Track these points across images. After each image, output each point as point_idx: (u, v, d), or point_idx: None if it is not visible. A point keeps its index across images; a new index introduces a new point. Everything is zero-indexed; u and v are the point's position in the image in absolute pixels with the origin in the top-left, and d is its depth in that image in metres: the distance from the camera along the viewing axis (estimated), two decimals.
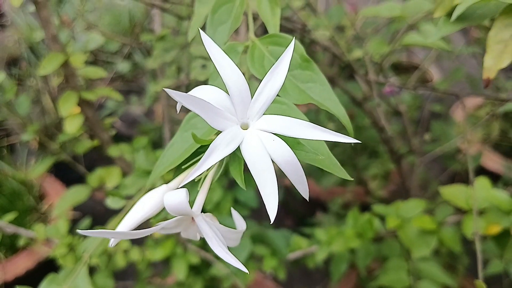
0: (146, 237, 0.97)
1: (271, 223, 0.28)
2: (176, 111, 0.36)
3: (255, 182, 0.32)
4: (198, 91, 0.32)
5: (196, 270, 1.03)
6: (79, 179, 1.20)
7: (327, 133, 0.30)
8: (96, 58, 1.88)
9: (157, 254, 0.94)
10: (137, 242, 1.00)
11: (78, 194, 1.00)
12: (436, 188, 1.28)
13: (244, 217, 0.42)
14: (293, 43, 0.33)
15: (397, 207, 0.98)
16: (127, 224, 0.36)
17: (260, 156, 0.30)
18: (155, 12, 1.03)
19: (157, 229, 0.34)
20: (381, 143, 1.40)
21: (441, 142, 1.55)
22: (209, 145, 0.30)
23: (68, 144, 1.30)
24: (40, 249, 1.35)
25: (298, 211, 1.83)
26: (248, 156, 0.30)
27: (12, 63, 2.06)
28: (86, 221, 1.06)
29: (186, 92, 0.31)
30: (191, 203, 0.33)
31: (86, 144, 1.04)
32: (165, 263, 1.12)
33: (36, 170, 1.09)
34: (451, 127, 1.65)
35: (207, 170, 0.34)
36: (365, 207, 1.17)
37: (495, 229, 0.79)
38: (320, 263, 1.10)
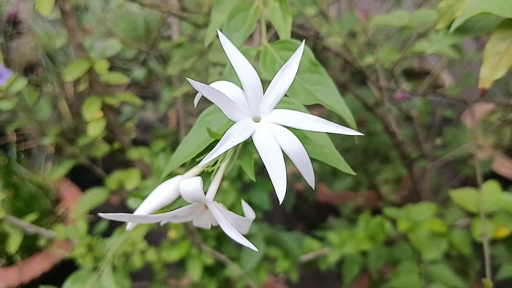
0: (162, 238, 0.99)
1: (280, 204, 0.30)
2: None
3: (270, 183, 0.35)
4: (217, 85, 0.35)
5: (211, 271, 1.05)
6: (94, 183, 1.22)
7: (331, 126, 0.33)
8: (112, 64, 1.91)
9: (172, 255, 0.97)
10: (154, 243, 1.02)
11: (96, 196, 1.03)
12: (447, 193, 1.28)
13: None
14: (302, 45, 0.36)
15: (408, 211, 1.00)
16: (144, 209, 0.38)
17: (270, 145, 0.32)
18: (173, 20, 1.05)
19: (171, 214, 0.36)
20: (393, 148, 1.41)
21: (453, 147, 1.55)
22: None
23: (85, 148, 1.34)
24: (56, 252, 1.38)
25: (309, 216, 1.84)
26: (260, 145, 0.32)
27: (29, 69, 2.11)
28: (104, 223, 1.08)
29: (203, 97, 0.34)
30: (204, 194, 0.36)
31: (104, 148, 1.07)
32: (179, 266, 1.14)
33: (56, 173, 1.12)
34: (462, 133, 1.66)
35: (220, 162, 0.37)
36: (376, 212, 1.18)
37: (504, 232, 0.80)
38: (332, 266, 1.11)
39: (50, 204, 1.63)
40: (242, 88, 0.35)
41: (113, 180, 1.01)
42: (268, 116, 0.34)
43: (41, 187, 1.64)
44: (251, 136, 0.33)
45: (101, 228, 1.07)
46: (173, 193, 0.38)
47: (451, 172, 1.83)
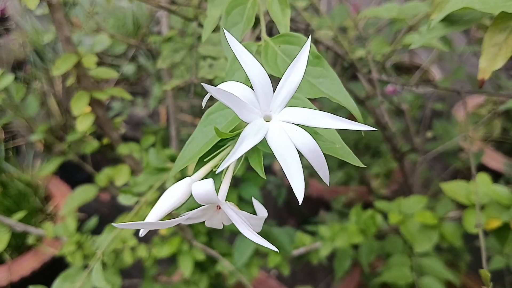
0: (152, 234, 0.99)
1: (299, 204, 0.30)
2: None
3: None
4: (225, 86, 0.34)
5: (202, 267, 1.05)
6: (85, 181, 1.21)
7: (343, 122, 0.32)
8: (101, 61, 1.90)
9: (163, 251, 0.96)
10: (144, 240, 1.02)
11: (86, 193, 1.02)
12: (438, 186, 1.29)
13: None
14: (309, 41, 0.35)
15: (399, 203, 1.00)
16: (155, 215, 0.37)
17: (285, 144, 0.32)
18: (162, 14, 1.04)
19: (184, 219, 0.35)
20: (384, 142, 1.41)
21: (443, 141, 1.56)
22: (228, 138, 0.33)
23: (74, 145, 1.32)
24: (45, 250, 1.36)
25: (301, 210, 1.85)
26: (274, 145, 0.32)
27: (17, 66, 2.08)
28: (93, 220, 1.07)
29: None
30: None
31: (94, 144, 1.06)
32: (170, 262, 1.13)
33: (45, 170, 1.11)
34: (453, 126, 1.66)
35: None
36: (367, 206, 1.18)
37: (495, 223, 0.80)
38: (324, 260, 1.11)
39: (40, 202, 1.61)
40: (251, 87, 0.34)
41: (102, 176, 1.00)
42: (279, 115, 0.34)
43: (30, 185, 1.63)
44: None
45: (90, 225, 1.07)
46: (183, 195, 0.37)
47: (442, 166, 1.84)
